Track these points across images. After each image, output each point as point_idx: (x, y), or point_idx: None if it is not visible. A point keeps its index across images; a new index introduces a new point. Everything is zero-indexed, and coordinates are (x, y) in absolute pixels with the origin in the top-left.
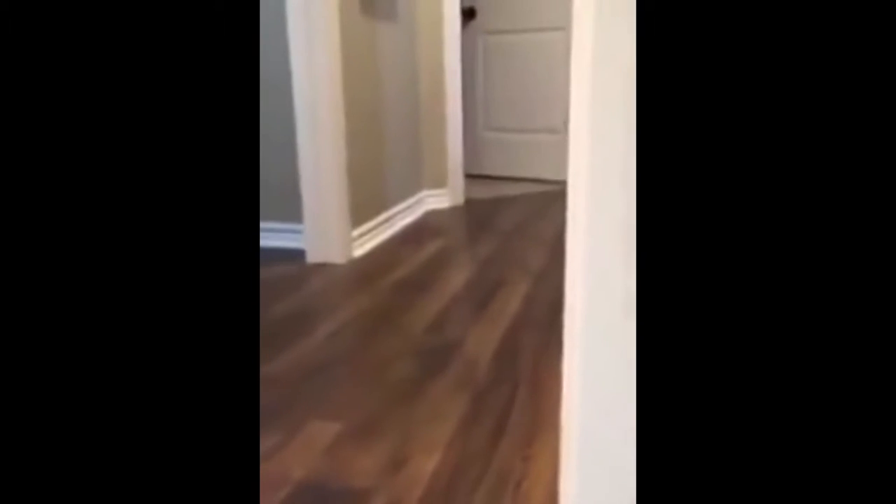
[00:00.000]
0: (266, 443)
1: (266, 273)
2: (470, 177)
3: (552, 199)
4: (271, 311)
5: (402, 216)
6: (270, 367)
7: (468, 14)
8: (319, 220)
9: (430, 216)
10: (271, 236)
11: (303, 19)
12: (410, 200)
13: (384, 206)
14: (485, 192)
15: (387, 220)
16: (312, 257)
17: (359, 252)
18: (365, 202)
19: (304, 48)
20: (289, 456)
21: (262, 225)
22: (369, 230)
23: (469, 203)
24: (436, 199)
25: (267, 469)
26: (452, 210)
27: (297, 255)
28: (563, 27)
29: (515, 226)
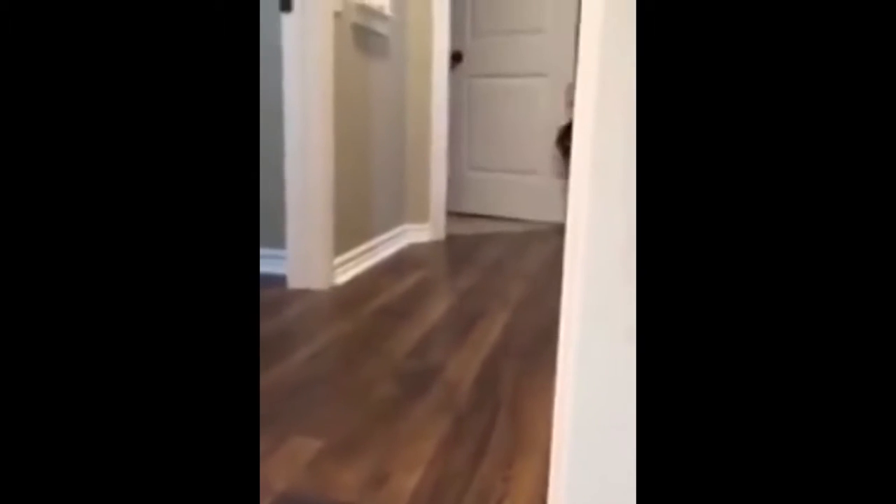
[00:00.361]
0: None
1: None
2: (451, 214)
3: (531, 237)
4: None
5: (383, 247)
6: None
7: (455, 58)
8: (303, 246)
9: (412, 249)
10: None
11: (298, 50)
12: (392, 232)
13: (367, 237)
14: (465, 228)
15: (369, 251)
16: (294, 283)
17: (340, 280)
18: (348, 231)
19: (299, 78)
20: (270, 469)
21: None
22: (351, 259)
23: (450, 238)
24: (417, 233)
25: None
26: (433, 244)
27: (278, 280)
28: (544, 73)
29: (495, 261)
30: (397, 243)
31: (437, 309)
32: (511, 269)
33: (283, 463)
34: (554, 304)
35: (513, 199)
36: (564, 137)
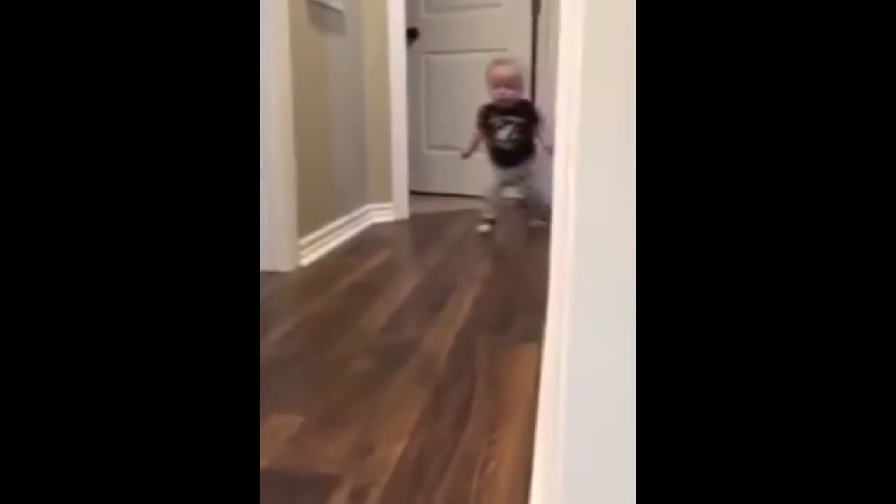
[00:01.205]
0: None
1: None
2: (413, 193)
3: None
4: None
5: (347, 227)
6: None
7: (410, 34)
8: (267, 227)
9: (376, 228)
10: None
11: None
12: (355, 213)
13: (330, 218)
14: (428, 207)
15: (333, 231)
16: (260, 265)
17: (306, 261)
18: (311, 212)
19: None
20: None
21: None
22: (316, 240)
23: (413, 217)
24: (381, 213)
25: None
26: (398, 223)
27: None
28: (504, 48)
29: (460, 237)
30: (361, 223)
31: (407, 286)
32: (476, 246)
33: (264, 441)
34: (520, 277)
35: (475, 176)
36: (486, 118)
